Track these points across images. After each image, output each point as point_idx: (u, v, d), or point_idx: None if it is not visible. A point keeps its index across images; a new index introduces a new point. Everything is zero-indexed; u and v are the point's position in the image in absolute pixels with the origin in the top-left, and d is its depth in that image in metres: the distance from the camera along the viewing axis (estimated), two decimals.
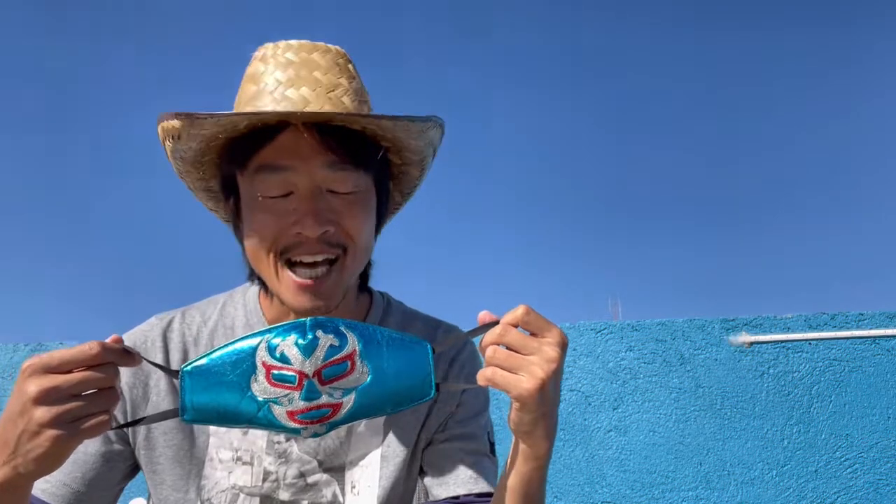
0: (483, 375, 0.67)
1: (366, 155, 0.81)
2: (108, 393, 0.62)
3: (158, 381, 0.87)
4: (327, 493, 0.88)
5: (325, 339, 0.66)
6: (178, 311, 0.94)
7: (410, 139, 0.82)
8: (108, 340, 0.63)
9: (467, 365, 0.95)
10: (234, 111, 0.81)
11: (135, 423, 0.69)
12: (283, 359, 0.66)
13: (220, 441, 0.87)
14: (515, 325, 0.67)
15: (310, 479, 0.87)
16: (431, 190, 0.97)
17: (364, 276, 0.95)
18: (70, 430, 0.60)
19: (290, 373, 0.66)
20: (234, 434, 0.87)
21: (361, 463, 0.89)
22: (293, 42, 0.82)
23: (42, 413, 0.59)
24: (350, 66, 0.85)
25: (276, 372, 0.66)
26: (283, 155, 0.77)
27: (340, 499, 0.88)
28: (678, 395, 2.67)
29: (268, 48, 0.83)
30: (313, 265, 0.79)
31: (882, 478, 2.55)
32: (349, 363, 0.67)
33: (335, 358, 0.67)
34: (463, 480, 0.88)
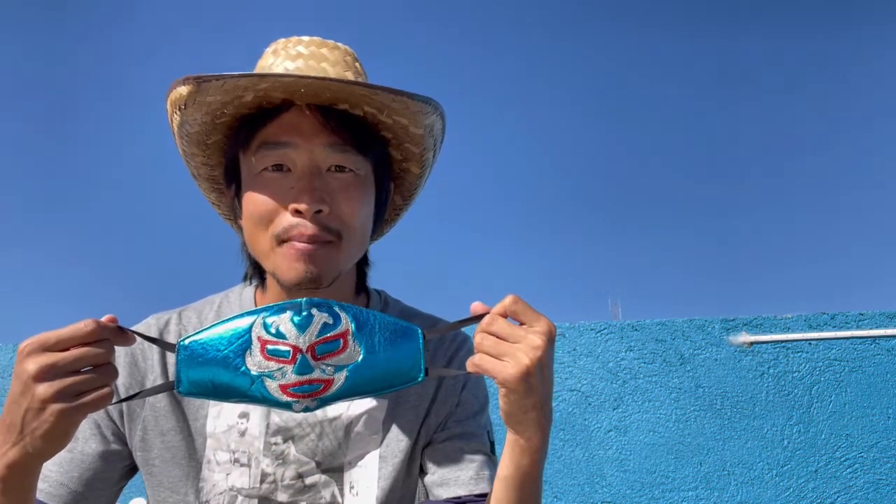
0: (471, 362, 0.69)
1: (366, 140, 0.82)
2: (106, 368, 0.64)
3: (155, 380, 0.87)
4: (326, 495, 0.87)
5: (320, 317, 0.69)
6: (174, 311, 0.94)
7: (410, 125, 0.82)
8: (103, 319, 0.64)
9: (465, 363, 0.94)
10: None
11: (135, 396, 0.70)
12: (279, 334, 0.68)
13: (218, 443, 0.87)
14: (504, 315, 0.68)
15: (308, 481, 0.87)
16: (430, 189, 0.97)
17: (361, 276, 0.95)
18: (73, 402, 0.61)
19: (285, 347, 0.68)
20: (231, 436, 0.87)
21: (360, 463, 0.89)
22: (304, 38, 0.84)
23: (44, 389, 0.60)
24: (357, 64, 0.87)
25: (270, 346, 0.68)
26: (284, 132, 0.79)
27: (339, 499, 0.87)
28: (678, 395, 2.66)
29: (279, 43, 0.84)
30: (308, 241, 0.79)
31: (882, 478, 2.55)
32: (342, 341, 0.70)
33: (328, 335, 0.69)
34: (464, 481, 0.87)
